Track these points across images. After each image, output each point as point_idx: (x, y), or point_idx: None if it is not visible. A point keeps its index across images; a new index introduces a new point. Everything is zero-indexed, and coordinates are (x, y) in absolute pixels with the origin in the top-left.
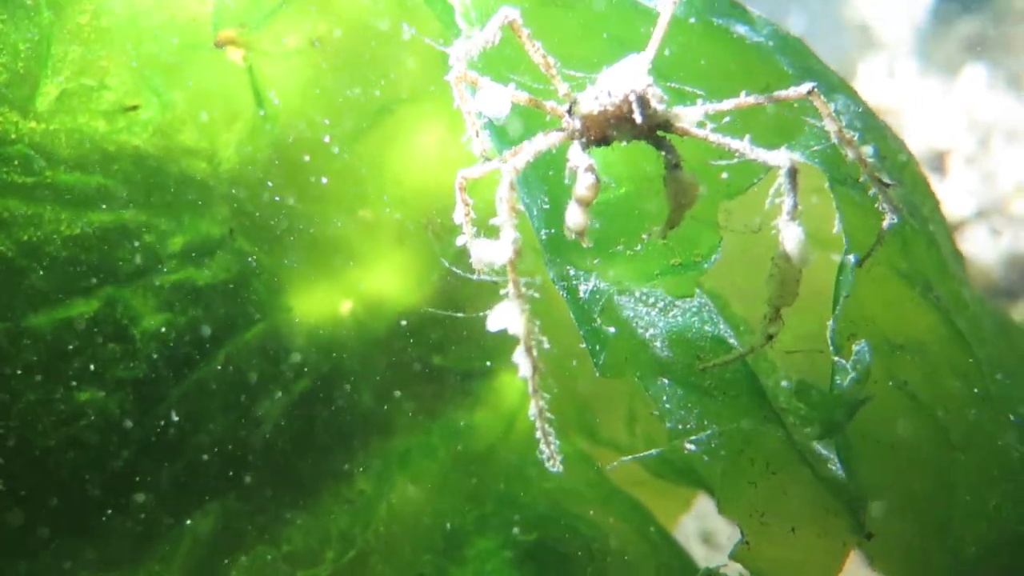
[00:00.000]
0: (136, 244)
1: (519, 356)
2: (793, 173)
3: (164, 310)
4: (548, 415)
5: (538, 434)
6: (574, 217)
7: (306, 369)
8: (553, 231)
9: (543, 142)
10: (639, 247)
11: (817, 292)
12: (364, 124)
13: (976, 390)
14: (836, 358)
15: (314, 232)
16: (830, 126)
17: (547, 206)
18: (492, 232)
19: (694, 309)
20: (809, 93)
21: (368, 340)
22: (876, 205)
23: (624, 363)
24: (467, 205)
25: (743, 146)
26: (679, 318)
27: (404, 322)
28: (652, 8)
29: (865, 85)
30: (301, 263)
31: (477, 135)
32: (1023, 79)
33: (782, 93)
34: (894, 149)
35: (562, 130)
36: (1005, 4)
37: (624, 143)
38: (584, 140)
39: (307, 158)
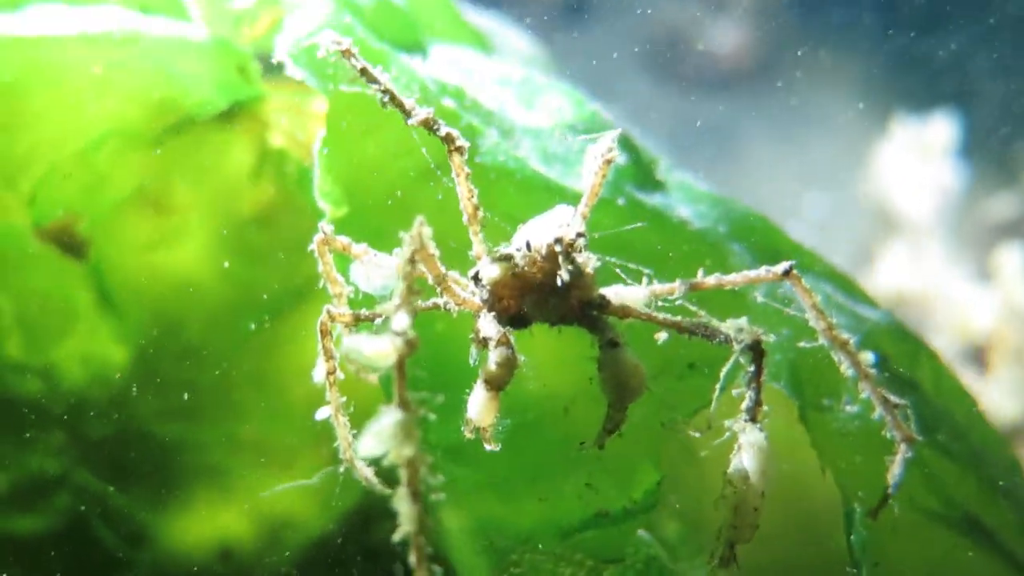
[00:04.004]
0: None
1: (400, 501)
2: (759, 352)
3: None
4: None
5: None
6: (478, 406)
7: None
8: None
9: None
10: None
11: None
12: (245, 326)
13: None
14: None
15: (183, 459)
16: (815, 322)
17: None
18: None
19: (639, 567)
20: (786, 274)
21: None
22: (882, 432)
23: None
24: (332, 359)
25: (698, 325)
26: None
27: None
28: (567, 186)
29: (886, 272)
30: (166, 499)
31: (348, 331)
32: None
33: (751, 273)
34: (907, 345)
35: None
36: None
37: (547, 323)
38: (495, 315)
39: (172, 369)
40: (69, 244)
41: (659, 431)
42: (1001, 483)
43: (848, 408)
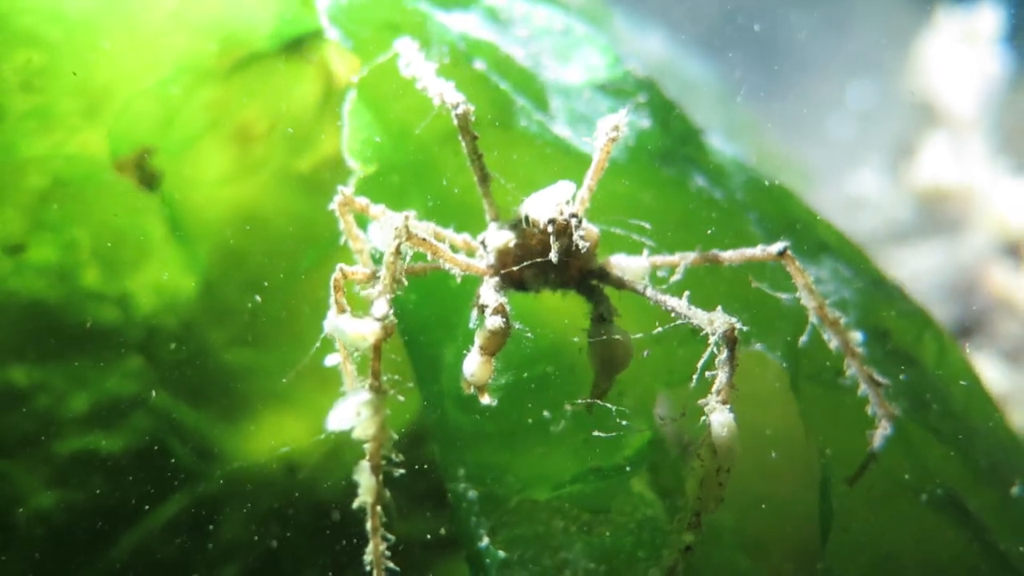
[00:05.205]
0: (26, 408)
1: (361, 472)
2: (732, 341)
3: (58, 485)
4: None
5: None
6: (473, 367)
7: (239, 548)
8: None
9: (455, 239)
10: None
11: None
12: (305, 259)
13: None
14: None
15: (250, 384)
16: (807, 300)
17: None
18: None
19: (631, 527)
20: (781, 255)
21: (311, 511)
22: (867, 409)
23: None
24: (343, 312)
25: (679, 305)
26: (607, 538)
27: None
28: (584, 152)
29: (926, 165)
30: (235, 419)
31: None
32: None
33: (748, 251)
34: (913, 320)
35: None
36: None
37: (549, 290)
38: (498, 281)
39: (237, 299)
40: (143, 177)
41: (654, 392)
42: (988, 463)
43: (840, 382)
